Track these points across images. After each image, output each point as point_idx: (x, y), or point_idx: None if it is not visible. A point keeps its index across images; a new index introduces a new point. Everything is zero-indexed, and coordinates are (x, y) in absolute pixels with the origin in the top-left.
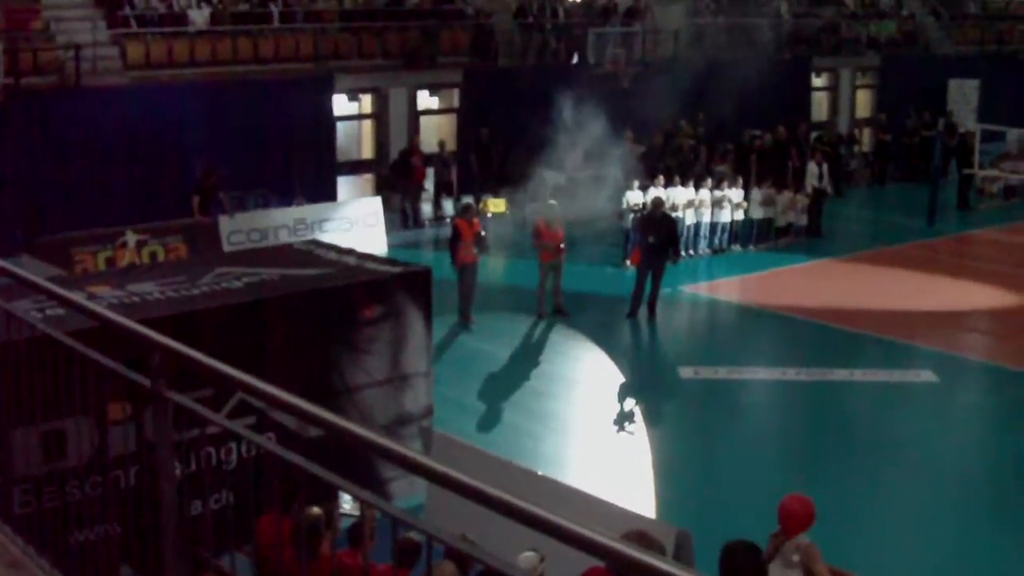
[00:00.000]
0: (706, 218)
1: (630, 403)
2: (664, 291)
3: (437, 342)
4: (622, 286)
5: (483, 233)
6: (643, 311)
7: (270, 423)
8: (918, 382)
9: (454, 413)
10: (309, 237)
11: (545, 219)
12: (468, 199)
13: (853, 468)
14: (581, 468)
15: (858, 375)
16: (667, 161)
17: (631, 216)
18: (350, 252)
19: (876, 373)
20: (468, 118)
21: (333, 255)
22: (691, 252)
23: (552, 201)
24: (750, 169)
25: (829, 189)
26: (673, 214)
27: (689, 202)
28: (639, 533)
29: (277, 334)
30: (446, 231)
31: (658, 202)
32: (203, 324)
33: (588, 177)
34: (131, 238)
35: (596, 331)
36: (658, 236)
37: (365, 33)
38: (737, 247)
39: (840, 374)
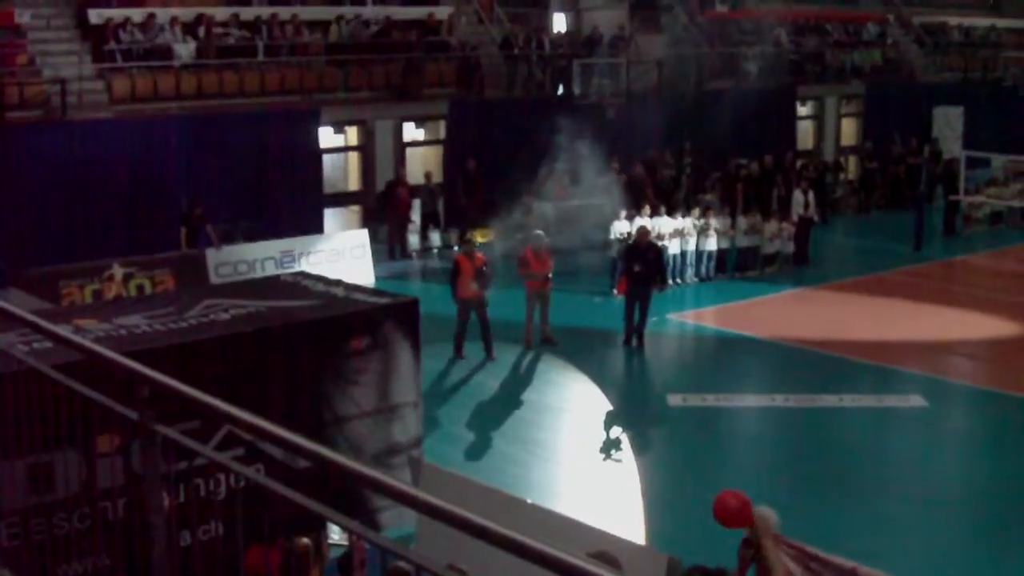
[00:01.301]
0: (692, 246)
1: (618, 431)
2: (651, 320)
3: (426, 373)
4: (610, 315)
5: (485, 269)
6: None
7: (259, 454)
8: (908, 407)
9: (443, 442)
10: (296, 269)
11: (533, 249)
12: (455, 231)
13: (844, 495)
14: (570, 496)
15: (847, 400)
16: (649, 191)
17: (618, 245)
18: (338, 283)
19: (865, 399)
20: (454, 149)
21: (321, 287)
22: (678, 281)
23: (539, 231)
24: (736, 197)
25: (815, 217)
26: (659, 243)
27: (675, 231)
28: (599, 553)
29: (265, 366)
30: (433, 262)
31: (643, 231)
32: (191, 356)
33: (575, 207)
34: (118, 271)
35: (584, 360)
36: (644, 265)
37: (351, 66)
38: (723, 275)
39: (829, 400)
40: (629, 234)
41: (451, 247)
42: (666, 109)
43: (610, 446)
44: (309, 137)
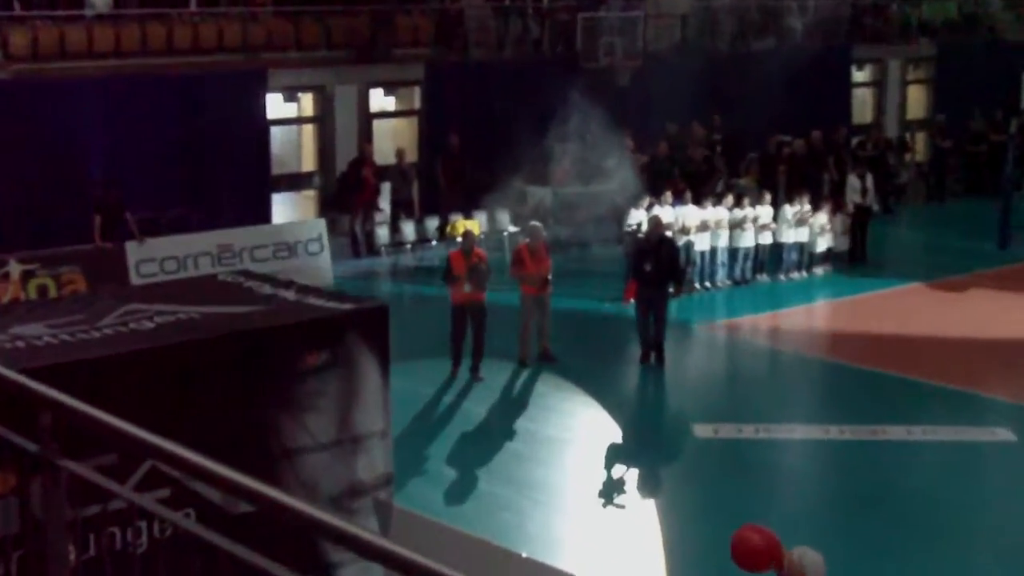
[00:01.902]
0: (724, 242)
1: (633, 470)
2: (675, 331)
3: (398, 396)
4: (622, 326)
5: (482, 265)
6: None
7: (190, 497)
8: (993, 441)
9: (419, 482)
10: (238, 267)
11: (528, 245)
12: (434, 221)
13: (914, 549)
14: (572, 549)
15: (917, 433)
16: (676, 174)
17: (626, 240)
18: (288, 285)
19: (940, 431)
20: (432, 122)
21: (267, 289)
22: (707, 284)
23: (536, 223)
24: (778, 183)
25: (875, 206)
26: (684, 238)
27: (703, 223)
28: None
29: (198, 386)
30: (406, 260)
31: (655, 222)
32: (105, 375)
33: (580, 194)
34: (15, 268)
35: (591, 381)
36: (656, 264)
37: (305, 19)
38: (763, 277)
39: (895, 432)
40: (639, 226)
41: (428, 241)
42: (692, 74)
43: (623, 488)
44: (253, 106)
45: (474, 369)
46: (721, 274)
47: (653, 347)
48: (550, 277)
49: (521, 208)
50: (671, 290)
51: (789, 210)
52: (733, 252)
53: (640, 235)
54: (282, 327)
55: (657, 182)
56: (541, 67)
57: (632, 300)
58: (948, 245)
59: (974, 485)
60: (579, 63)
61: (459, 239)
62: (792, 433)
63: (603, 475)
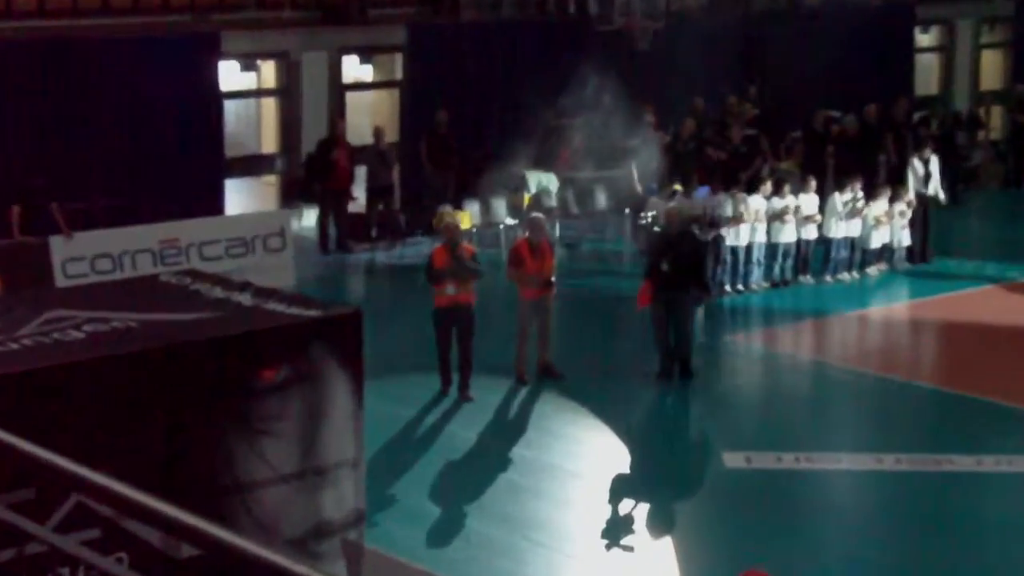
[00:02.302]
0: (761, 237)
1: (649, 507)
2: (701, 343)
3: (372, 418)
4: (639, 336)
5: (470, 262)
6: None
7: (123, 538)
8: None
9: (396, 520)
10: (184, 266)
11: (529, 240)
12: (417, 211)
13: None
14: None
15: (989, 464)
16: (706, 155)
17: (642, 234)
18: (244, 288)
19: (1016, 461)
20: (417, 96)
21: (219, 292)
22: (739, 287)
23: (538, 214)
24: (825, 167)
25: (941, 194)
26: (713, 232)
27: (737, 215)
28: None
29: (135, 408)
30: (384, 257)
31: (673, 213)
32: (23, 395)
33: (591, 180)
34: None
35: (601, 401)
36: (675, 262)
37: None
38: (807, 278)
39: (963, 463)
40: (654, 218)
41: (410, 235)
42: (723, 37)
43: (636, 529)
44: (204, 76)
45: (462, 387)
46: (757, 274)
47: (677, 361)
48: (554, 278)
49: (521, 197)
50: (696, 294)
51: (838, 199)
52: (772, 249)
53: (656, 228)
54: (235, 337)
55: (682, 165)
56: (545, 30)
57: (646, 306)
58: None
59: None
60: (591, 25)
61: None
62: (839, 463)
63: (614, 513)
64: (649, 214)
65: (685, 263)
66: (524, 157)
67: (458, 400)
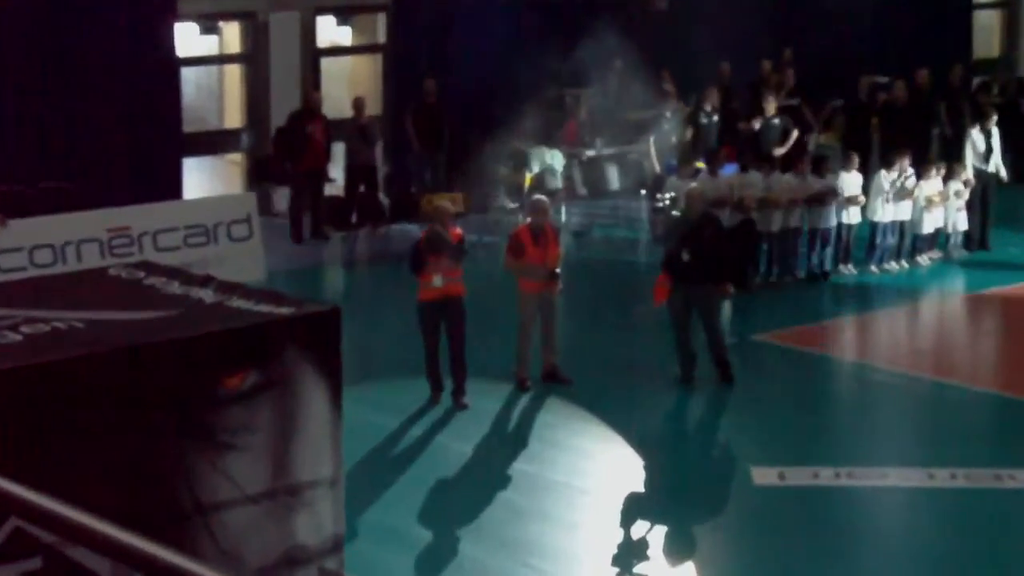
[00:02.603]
0: (798, 222)
1: (669, 529)
2: (728, 342)
3: (352, 430)
4: (656, 335)
5: (459, 242)
6: (702, 374)
7: (67, 569)
8: None
9: (381, 546)
10: (136, 258)
11: (531, 225)
12: (404, 193)
13: None
14: None
15: None
16: (735, 129)
17: (659, 219)
18: (205, 282)
19: None
20: (402, 62)
21: (176, 287)
22: (771, 278)
23: (541, 196)
24: (871, 141)
25: (1003, 172)
26: (741, 216)
27: (767, 196)
28: None
29: (80, 419)
30: (365, 246)
31: (694, 195)
32: None
33: (600, 158)
34: None
35: (613, 409)
36: (697, 251)
37: None
38: (850, 268)
39: None
40: (673, 199)
41: (395, 220)
42: None
43: (652, 555)
44: (158, 40)
45: (456, 392)
46: (794, 264)
47: (714, 364)
48: (559, 270)
49: (521, 176)
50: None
51: (885, 178)
52: (811, 235)
53: (675, 212)
54: (196, 339)
55: (706, 140)
56: None
57: (663, 301)
58: None
59: None
60: None
61: (426, 230)
62: (885, 479)
63: (626, 536)
64: (667, 196)
65: (708, 252)
66: (525, 132)
67: (452, 408)
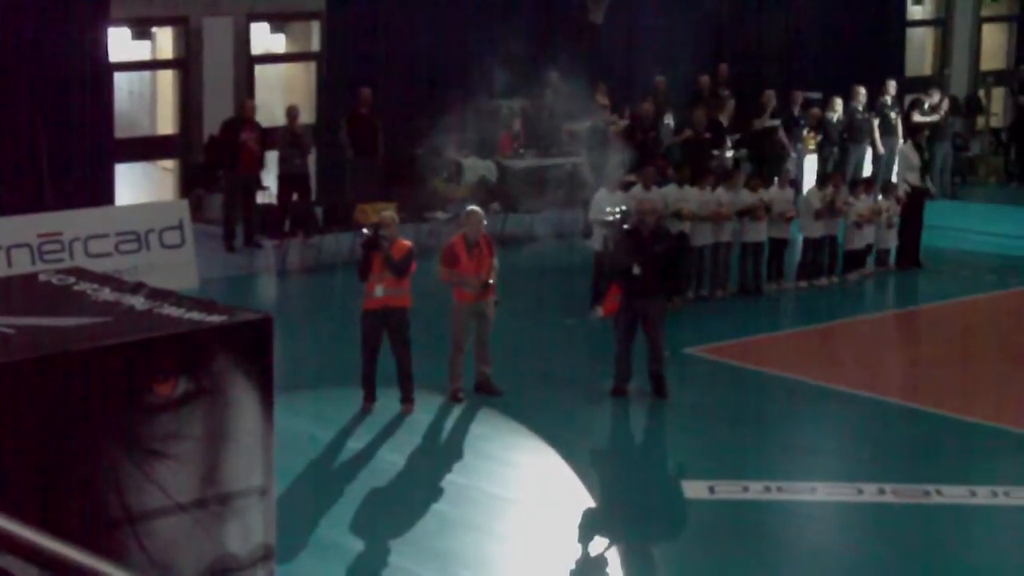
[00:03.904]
0: (729, 235)
1: (598, 541)
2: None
3: (283, 439)
4: (590, 346)
5: (398, 262)
6: (635, 387)
7: None
8: None
9: (313, 556)
10: (66, 264)
11: (465, 236)
12: (337, 202)
13: None
14: None
15: (984, 495)
16: (669, 144)
17: (602, 232)
18: (136, 289)
19: (1019, 493)
20: (336, 70)
21: (107, 294)
22: (703, 292)
23: (474, 207)
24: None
25: (934, 188)
26: (675, 229)
27: (703, 211)
28: None
29: (8, 423)
30: (298, 254)
31: (646, 207)
32: None
33: (533, 168)
34: None
35: (545, 421)
36: (649, 262)
37: None
38: (780, 283)
39: (956, 494)
40: (623, 211)
41: (328, 229)
42: (689, 8)
43: (581, 566)
44: (90, 44)
45: (405, 399)
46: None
47: (651, 376)
48: (492, 280)
49: (455, 187)
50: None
51: (815, 193)
52: (743, 250)
53: (626, 225)
54: (126, 346)
55: (641, 153)
56: None
57: (611, 314)
58: None
59: None
60: None
61: (366, 230)
62: (814, 493)
63: (556, 549)
64: (618, 209)
65: (659, 266)
66: (459, 142)
67: (384, 419)
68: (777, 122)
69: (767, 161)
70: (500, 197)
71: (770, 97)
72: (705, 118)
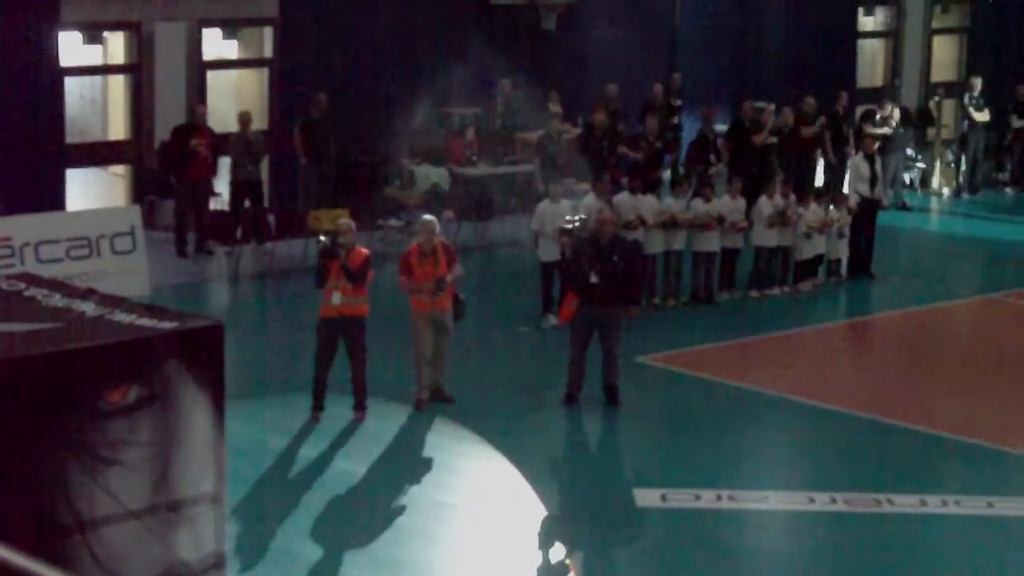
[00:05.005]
0: (681, 244)
1: (552, 550)
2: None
3: (235, 446)
4: (543, 354)
5: (356, 270)
6: (586, 395)
7: None
8: None
9: (263, 565)
10: (17, 269)
11: (420, 244)
12: (291, 209)
13: None
14: None
15: (935, 504)
16: (619, 152)
17: (564, 239)
18: (87, 295)
19: (966, 502)
20: (289, 76)
21: (58, 300)
22: (656, 301)
23: (428, 216)
24: (754, 167)
25: (886, 199)
26: (629, 237)
27: (658, 219)
28: None
29: None
30: (251, 261)
31: (605, 217)
32: None
33: (487, 176)
34: None
35: (499, 430)
36: (606, 272)
37: None
38: (731, 292)
39: (906, 503)
40: (582, 220)
41: (281, 236)
42: (641, 17)
43: (536, 574)
44: (40, 49)
45: (357, 407)
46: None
47: (604, 385)
48: (451, 278)
49: (408, 194)
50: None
51: (766, 203)
52: (695, 259)
53: (584, 234)
54: (76, 352)
55: (594, 162)
56: (438, 4)
57: (567, 321)
58: (981, 253)
59: (1011, 574)
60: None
61: (324, 237)
62: (766, 502)
63: (508, 556)
64: (577, 218)
65: (617, 274)
66: (412, 149)
67: (336, 426)
68: (775, 139)
69: (767, 177)
70: (453, 205)
71: (771, 113)
72: (657, 127)
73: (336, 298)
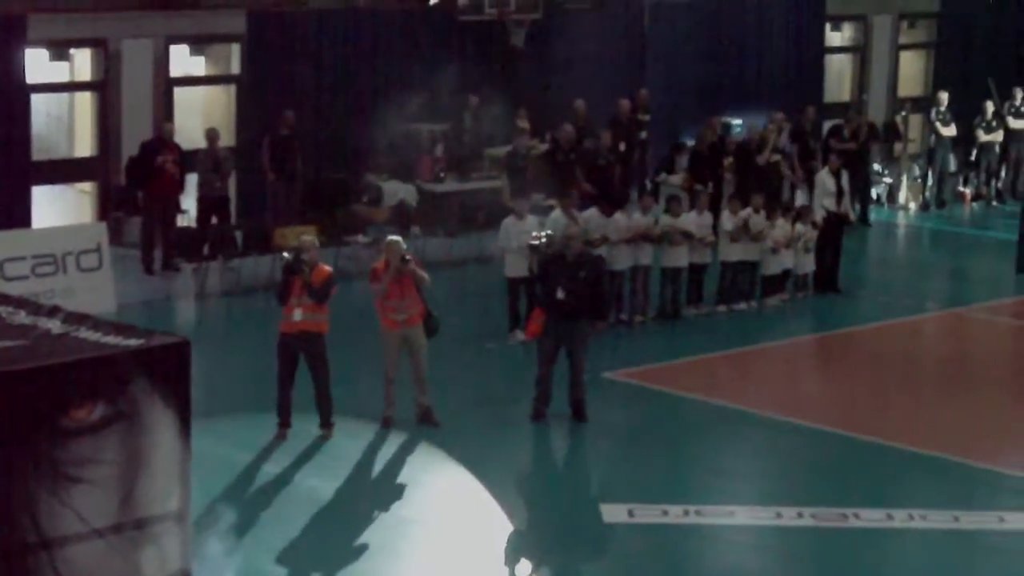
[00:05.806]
0: (648, 260)
1: (519, 564)
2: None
3: (201, 464)
4: (510, 370)
5: (318, 287)
6: (554, 411)
7: None
8: (1005, 530)
9: None
10: None
11: (387, 263)
12: (257, 226)
13: None
14: None
15: (901, 518)
16: (588, 167)
17: (533, 256)
18: (53, 312)
19: (932, 516)
20: (256, 93)
21: (23, 317)
22: (623, 316)
23: (394, 237)
24: (721, 182)
25: (852, 214)
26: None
27: (625, 236)
28: None
29: None
30: (218, 278)
31: (572, 232)
32: None
33: (454, 193)
34: None
35: (465, 446)
36: (573, 288)
37: None
38: (698, 308)
39: (872, 517)
40: (548, 237)
41: (248, 253)
42: (609, 32)
43: None
44: (6, 66)
45: (324, 424)
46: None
47: (571, 400)
48: (420, 280)
49: (375, 210)
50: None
51: (731, 220)
52: (663, 275)
53: (549, 249)
54: (42, 369)
55: (562, 178)
56: (405, 20)
57: (534, 337)
58: (948, 267)
59: None
60: (456, 15)
61: (287, 254)
62: (733, 517)
63: (473, 573)
64: (543, 234)
65: (583, 291)
66: (379, 166)
67: (303, 444)
68: (779, 157)
69: (773, 195)
70: (420, 221)
71: (771, 132)
72: (611, 141)
73: (298, 314)
